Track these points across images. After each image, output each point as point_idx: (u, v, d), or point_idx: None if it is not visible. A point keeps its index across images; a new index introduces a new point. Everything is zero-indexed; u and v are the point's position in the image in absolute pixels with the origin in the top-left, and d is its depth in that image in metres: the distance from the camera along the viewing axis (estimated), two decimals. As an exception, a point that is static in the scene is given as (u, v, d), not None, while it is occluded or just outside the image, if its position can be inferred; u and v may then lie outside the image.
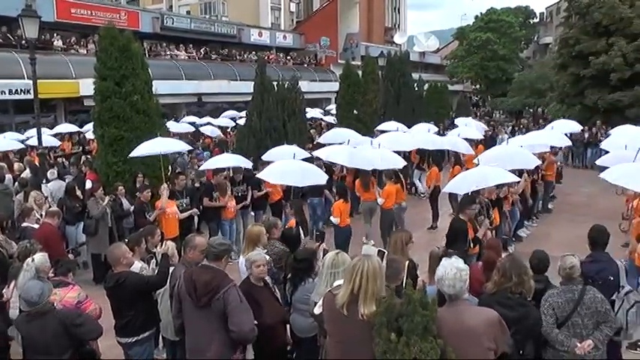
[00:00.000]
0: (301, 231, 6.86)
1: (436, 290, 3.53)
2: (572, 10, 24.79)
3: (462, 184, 7.72)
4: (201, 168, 10.87)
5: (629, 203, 8.68)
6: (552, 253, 4.74)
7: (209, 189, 9.61)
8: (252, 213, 10.50)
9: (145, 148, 9.20)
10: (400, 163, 10.57)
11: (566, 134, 13.67)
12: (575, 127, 15.72)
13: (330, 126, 20.53)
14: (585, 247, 5.17)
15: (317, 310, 3.86)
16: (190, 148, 13.01)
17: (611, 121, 18.85)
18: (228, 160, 10.48)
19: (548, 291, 4.12)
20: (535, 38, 56.20)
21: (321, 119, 22.33)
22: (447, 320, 3.14)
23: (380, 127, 16.37)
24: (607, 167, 9.35)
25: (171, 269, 4.78)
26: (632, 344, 5.61)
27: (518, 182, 9.44)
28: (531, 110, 35.30)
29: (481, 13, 47.23)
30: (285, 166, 8.63)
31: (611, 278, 4.72)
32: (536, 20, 56.67)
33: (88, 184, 9.81)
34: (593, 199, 13.40)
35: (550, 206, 12.89)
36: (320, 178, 8.77)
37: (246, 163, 10.42)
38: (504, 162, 8.53)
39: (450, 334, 3.06)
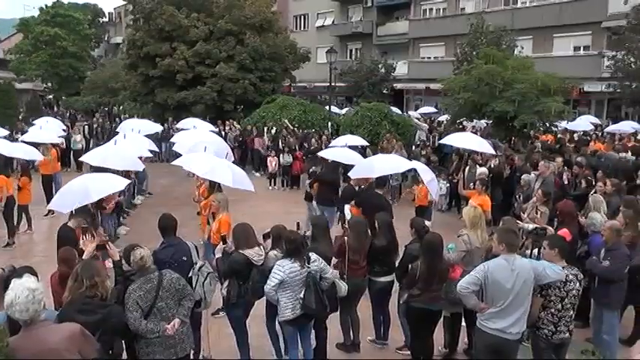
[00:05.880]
0: None
1: (6, 316, 3.16)
2: (137, 14, 25.79)
3: (65, 199, 6.66)
4: None
5: (199, 189, 9.75)
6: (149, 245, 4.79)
7: None
8: None
9: None
10: None
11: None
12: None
13: None
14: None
15: None
16: None
17: (180, 117, 20.84)
18: None
19: (129, 287, 4.23)
20: (106, 37, 56.62)
21: None
22: (27, 348, 2.90)
23: None
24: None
25: None
26: (215, 311, 6.36)
27: None
28: (106, 109, 35.46)
29: (46, 6, 44.24)
30: None
31: (185, 258, 5.21)
32: (105, 20, 57.02)
33: None
34: (171, 189, 14.63)
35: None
36: None
37: None
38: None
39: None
